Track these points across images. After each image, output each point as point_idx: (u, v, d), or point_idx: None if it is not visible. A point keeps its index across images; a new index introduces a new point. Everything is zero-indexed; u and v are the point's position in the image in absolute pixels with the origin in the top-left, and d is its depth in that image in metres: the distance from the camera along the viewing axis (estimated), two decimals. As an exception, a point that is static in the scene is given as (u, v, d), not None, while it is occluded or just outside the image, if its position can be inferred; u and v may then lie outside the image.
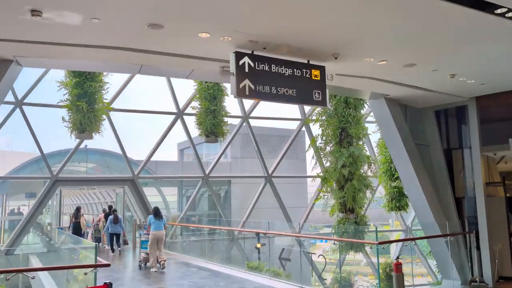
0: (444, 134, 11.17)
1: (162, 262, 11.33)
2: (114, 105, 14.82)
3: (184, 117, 15.86)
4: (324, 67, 7.67)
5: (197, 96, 13.74)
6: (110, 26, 6.00)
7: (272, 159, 17.99)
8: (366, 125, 13.88)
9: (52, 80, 12.58)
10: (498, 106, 10.32)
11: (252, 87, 6.97)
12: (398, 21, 6.07)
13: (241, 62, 6.90)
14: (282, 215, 17.24)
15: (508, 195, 10.84)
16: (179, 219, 16.48)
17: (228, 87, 14.27)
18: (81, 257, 8.36)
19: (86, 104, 11.56)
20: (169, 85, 15.60)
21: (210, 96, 13.43)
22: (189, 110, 15.41)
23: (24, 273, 6.30)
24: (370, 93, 10.03)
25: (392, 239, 27.61)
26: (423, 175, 10.54)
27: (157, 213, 11.23)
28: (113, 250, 14.57)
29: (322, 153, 12.63)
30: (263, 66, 7.11)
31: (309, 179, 16.92)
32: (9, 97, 13.99)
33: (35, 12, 5.47)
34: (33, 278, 6.69)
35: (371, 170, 13.38)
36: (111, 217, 14.72)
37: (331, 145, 12.50)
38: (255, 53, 7.00)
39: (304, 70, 7.53)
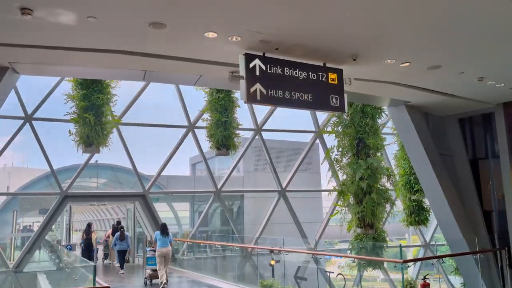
0: (469, 143, 10.30)
1: (163, 282, 10.61)
2: (124, 119, 14.27)
3: (196, 130, 15.22)
4: (341, 70, 6.95)
5: (208, 107, 13.06)
6: (107, 26, 5.37)
7: (286, 173, 17.17)
8: (382, 136, 13.02)
9: (63, 94, 12.08)
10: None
11: (264, 91, 6.27)
12: (424, 16, 5.32)
13: (251, 65, 6.22)
14: (297, 230, 16.34)
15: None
16: (190, 235, 15.70)
17: (239, 97, 13.59)
18: (84, 277, 7.63)
19: (93, 117, 10.98)
20: (180, 97, 15.02)
21: (221, 108, 12.73)
22: (200, 123, 14.75)
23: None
24: (389, 100, 9.25)
25: (409, 254, 26.53)
26: (449, 187, 9.64)
27: (163, 229, 10.80)
28: (122, 268, 13.94)
29: (338, 165, 11.79)
30: (275, 69, 6.42)
31: (324, 193, 16.05)
32: (19, 112, 13.57)
33: (25, 11, 4.88)
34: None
35: (391, 183, 12.48)
36: (117, 234, 14.13)
37: (347, 156, 11.66)
38: (266, 55, 6.32)
39: (320, 74, 6.82)
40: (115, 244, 14.10)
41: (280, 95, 6.40)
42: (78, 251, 17.20)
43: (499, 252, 9.59)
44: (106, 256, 15.88)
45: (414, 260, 9.84)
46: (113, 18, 5.20)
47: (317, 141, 17.07)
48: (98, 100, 11.12)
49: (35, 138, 13.68)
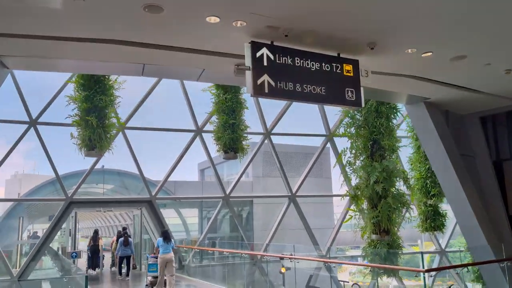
0: (492, 143, 9.43)
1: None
2: (130, 123, 13.67)
3: (204, 135, 14.55)
4: (357, 61, 6.21)
5: (214, 109, 12.33)
6: (97, 10, 4.70)
7: (296, 178, 16.38)
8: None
9: (65, 96, 11.49)
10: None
11: (272, 83, 5.55)
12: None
13: (258, 54, 5.51)
14: (308, 236, 15.51)
15: None
16: (198, 242, 14.96)
17: (248, 98, 12.88)
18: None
19: (95, 119, 10.34)
20: (187, 101, 14.40)
21: (229, 109, 12.00)
22: (209, 128, 14.04)
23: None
24: (407, 97, 8.47)
25: (425, 262, 25.41)
26: (471, 190, 8.79)
27: (166, 236, 10.64)
28: (120, 274, 13.65)
29: (351, 169, 10.95)
30: (285, 59, 5.70)
31: (335, 198, 15.21)
32: (24, 117, 13.05)
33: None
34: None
35: (408, 186, 11.63)
36: (121, 239, 13.79)
37: (361, 159, 10.85)
38: (275, 43, 5.61)
39: (334, 65, 6.08)
40: (119, 251, 13.70)
41: (291, 87, 5.67)
42: (84, 258, 16.59)
43: (528, 260, 8.67)
44: (113, 263, 15.28)
45: (437, 270, 8.97)
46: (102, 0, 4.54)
47: (328, 145, 16.29)
48: (101, 101, 10.47)
49: (39, 143, 13.18)
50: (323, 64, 5.98)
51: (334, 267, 11.58)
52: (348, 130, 11.01)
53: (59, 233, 14.67)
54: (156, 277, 10.72)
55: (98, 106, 10.47)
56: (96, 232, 15.79)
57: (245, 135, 12.71)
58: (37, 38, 5.33)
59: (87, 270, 15.16)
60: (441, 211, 13.61)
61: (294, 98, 5.80)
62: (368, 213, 10.57)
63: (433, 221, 13.50)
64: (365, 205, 11.14)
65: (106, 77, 10.75)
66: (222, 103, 12.04)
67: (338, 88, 6.05)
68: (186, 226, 20.03)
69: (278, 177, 16.28)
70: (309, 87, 5.82)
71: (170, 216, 17.79)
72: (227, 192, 14.77)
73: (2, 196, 23.24)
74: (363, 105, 6.20)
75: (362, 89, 6.18)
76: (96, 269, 15.09)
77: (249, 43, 5.44)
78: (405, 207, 10.93)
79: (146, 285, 11.06)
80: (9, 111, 14.84)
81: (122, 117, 13.21)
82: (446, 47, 6.11)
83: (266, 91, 5.50)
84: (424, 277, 7.25)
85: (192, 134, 14.53)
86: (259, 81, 5.46)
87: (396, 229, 11.44)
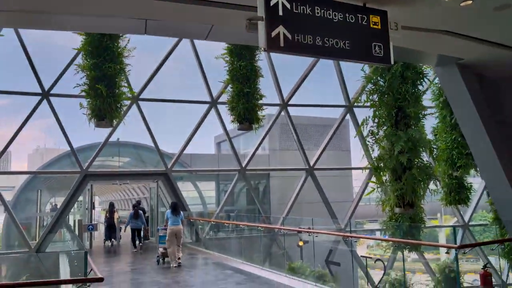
0: (530, 110, 8.44)
1: (177, 260, 10.42)
2: (143, 95, 13.09)
3: (219, 106, 13.87)
4: (386, 12, 5.33)
5: (228, 78, 11.54)
6: None
7: (313, 151, 15.64)
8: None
9: (73, 64, 10.88)
10: None
11: (289, 36, 4.74)
12: None
13: (272, 2, 4.70)
14: (326, 210, 14.87)
15: None
16: (215, 214, 14.50)
17: (264, 66, 12.03)
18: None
19: (105, 88, 9.73)
20: (200, 71, 13.68)
21: (243, 77, 11.22)
22: (224, 99, 13.32)
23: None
24: (437, 57, 7.52)
25: (441, 235, 24.51)
26: (507, 160, 7.89)
27: (174, 207, 10.52)
28: (135, 246, 13.47)
29: (373, 139, 10.11)
30: (303, 8, 4.87)
31: (354, 172, 14.47)
32: (36, 88, 12.58)
33: None
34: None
35: (434, 157, 10.76)
36: (131, 212, 13.68)
37: (384, 128, 9.99)
38: (292, -11, 4.78)
39: (360, 16, 5.22)
40: (129, 223, 13.55)
41: (310, 41, 4.85)
42: (101, 230, 16.44)
43: None
44: (109, 237, 15.12)
45: (472, 246, 8.19)
46: None
47: (347, 116, 15.41)
48: (110, 69, 9.83)
49: (53, 115, 12.73)
50: (347, 15, 5.12)
51: (355, 241, 10.92)
52: (370, 97, 10.11)
53: (75, 205, 14.42)
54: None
55: (107, 74, 9.85)
56: (111, 205, 15.55)
57: (261, 105, 11.96)
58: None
59: (104, 242, 14.97)
60: (466, 184, 12.75)
61: (314, 53, 5.01)
62: (392, 186, 9.78)
63: (457, 194, 12.67)
64: (387, 177, 10.36)
65: (115, 43, 10.08)
66: (236, 71, 11.25)
67: (364, 42, 5.20)
68: (203, 199, 19.64)
69: (295, 150, 15.58)
70: (331, 41, 4.99)
71: (186, 189, 17.38)
72: (243, 165, 14.19)
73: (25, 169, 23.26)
74: (392, 62, 5.35)
75: (391, 44, 5.33)
76: (113, 240, 14.87)
77: (262, -11, 4.63)
78: (430, 179, 10.09)
79: (157, 256, 10.89)
80: (21, 84, 14.45)
81: (136, 89, 12.63)
82: (491, -7, 5.18)
83: (282, 44, 4.70)
84: (457, 254, 6.52)
85: (207, 106, 13.90)
86: (273, 34, 4.66)
87: (420, 202, 10.65)
